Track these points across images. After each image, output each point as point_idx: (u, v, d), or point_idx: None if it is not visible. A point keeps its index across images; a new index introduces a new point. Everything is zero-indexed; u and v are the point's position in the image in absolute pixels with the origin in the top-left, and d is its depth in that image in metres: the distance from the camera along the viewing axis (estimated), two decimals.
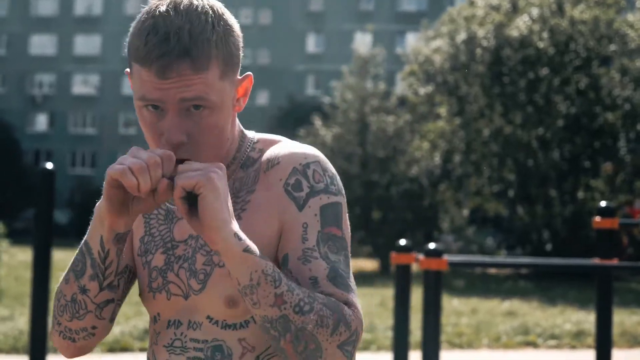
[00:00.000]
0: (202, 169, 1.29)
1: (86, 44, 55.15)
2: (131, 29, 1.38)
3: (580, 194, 20.82)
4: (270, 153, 1.45)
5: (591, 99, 20.17)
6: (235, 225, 1.30)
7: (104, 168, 52.63)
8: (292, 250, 1.38)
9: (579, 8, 20.30)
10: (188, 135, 1.36)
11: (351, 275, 1.41)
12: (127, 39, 1.39)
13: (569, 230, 20.15)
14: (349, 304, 1.36)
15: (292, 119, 40.79)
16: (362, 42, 30.05)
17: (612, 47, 19.92)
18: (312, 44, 53.60)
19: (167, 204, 1.51)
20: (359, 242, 24.55)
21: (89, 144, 54.23)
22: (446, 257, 5.13)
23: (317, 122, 27.34)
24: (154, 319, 1.51)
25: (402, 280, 5.64)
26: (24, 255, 20.15)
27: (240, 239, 1.29)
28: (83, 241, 1.41)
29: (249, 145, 1.49)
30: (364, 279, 18.55)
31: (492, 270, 20.83)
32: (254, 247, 1.31)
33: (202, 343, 1.43)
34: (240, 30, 1.43)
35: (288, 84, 51.77)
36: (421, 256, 5.10)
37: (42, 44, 55.61)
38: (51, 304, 10.04)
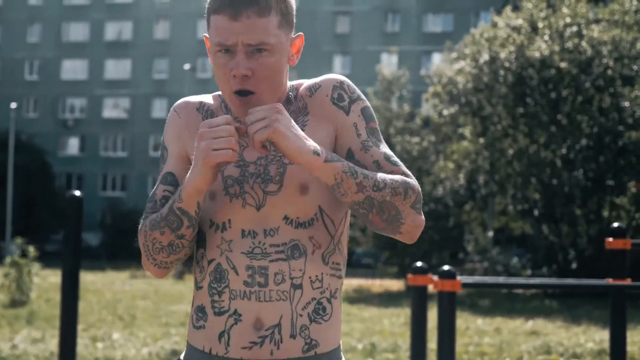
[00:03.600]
0: (267, 117, 1.64)
1: (116, 69, 55.92)
2: None
3: (606, 213, 20.78)
4: (307, 85, 1.84)
5: (614, 118, 20.19)
6: (309, 145, 1.65)
7: (134, 190, 53.20)
8: (353, 144, 1.78)
9: (598, 28, 20.34)
10: (252, 70, 1.70)
11: (392, 152, 1.82)
12: (206, 5, 1.74)
13: (594, 249, 20.11)
14: (406, 174, 1.77)
15: None
16: (388, 64, 30.24)
17: (635, 67, 19.93)
18: (338, 65, 53.91)
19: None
20: (385, 262, 24.64)
21: (120, 167, 54.84)
22: (460, 279, 5.26)
23: None
24: (222, 226, 1.77)
25: (418, 302, 5.76)
26: (55, 277, 20.49)
27: (318, 154, 1.65)
28: (175, 207, 1.71)
29: (290, 90, 1.84)
30: (390, 299, 18.64)
31: (518, 290, 20.82)
32: (330, 154, 1.67)
33: (281, 246, 1.74)
34: (295, 1, 1.79)
35: None
36: (436, 278, 5.23)
37: (73, 69, 56.46)
38: (79, 327, 10.25)
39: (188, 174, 1.70)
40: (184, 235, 1.73)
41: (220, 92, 1.86)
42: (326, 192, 1.76)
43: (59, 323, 5.38)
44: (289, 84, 1.85)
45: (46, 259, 21.48)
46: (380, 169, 1.76)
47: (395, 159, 1.79)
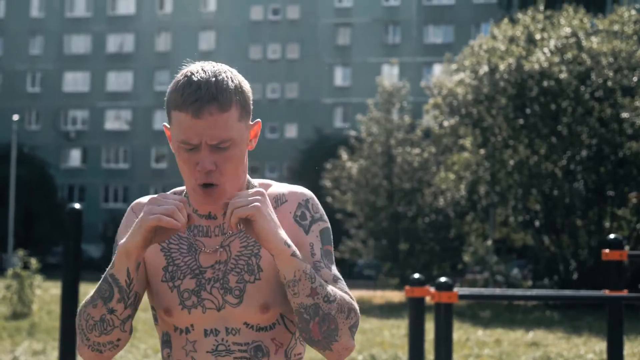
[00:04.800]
0: (250, 199, 1.71)
1: (118, 81, 56.07)
2: (169, 90, 1.81)
3: (607, 224, 20.79)
4: (274, 192, 1.89)
5: (614, 129, 20.22)
6: (282, 234, 1.72)
7: None
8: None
9: (597, 39, 20.40)
10: (216, 164, 1.76)
11: (344, 282, 1.90)
12: (166, 98, 1.81)
13: (595, 260, 20.12)
14: (351, 298, 1.83)
15: (320, 152, 41.04)
16: (388, 75, 30.30)
17: (634, 79, 19.97)
18: (339, 77, 54.00)
19: (189, 239, 1.87)
20: (386, 274, 24.67)
21: (121, 179, 54.90)
22: (457, 290, 5.29)
23: (344, 155, 27.56)
24: (186, 330, 1.84)
25: (416, 313, 5.79)
26: (57, 289, 20.47)
27: (289, 245, 1.72)
28: (107, 274, 1.76)
29: (252, 186, 1.90)
30: (391, 310, 18.64)
31: (519, 301, 20.81)
32: (297, 252, 1.74)
33: (244, 345, 1.82)
34: (250, 91, 1.85)
35: (316, 117, 52.16)
36: (433, 289, 5.27)
37: (75, 81, 56.61)
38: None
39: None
40: (114, 310, 1.76)
41: (179, 189, 1.92)
42: (286, 301, 1.82)
43: (59, 335, 5.41)
44: (253, 180, 1.91)
45: (48, 271, 21.48)
46: None
47: (343, 284, 1.85)
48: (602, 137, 20.23)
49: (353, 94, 52.61)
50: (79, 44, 56.78)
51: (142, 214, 1.70)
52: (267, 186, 1.91)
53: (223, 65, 1.82)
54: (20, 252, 15.49)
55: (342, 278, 1.87)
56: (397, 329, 13.78)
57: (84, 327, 1.79)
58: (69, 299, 5.39)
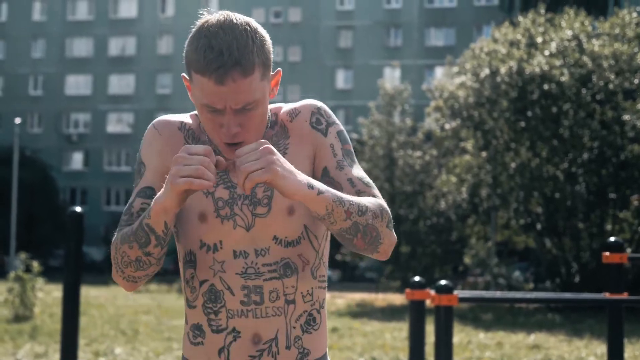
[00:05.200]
0: (260, 159, 1.65)
1: (120, 84, 56.16)
2: (187, 44, 1.77)
3: (608, 226, 20.79)
4: (286, 110, 1.91)
5: (616, 132, 20.22)
6: (303, 180, 1.70)
7: None
8: (329, 163, 1.87)
9: (598, 42, 20.41)
10: (241, 125, 1.77)
11: (364, 172, 1.93)
12: (185, 51, 1.78)
13: (597, 263, 20.11)
14: (377, 196, 1.86)
15: None
16: (390, 78, 30.32)
17: (635, 81, 19.98)
18: (341, 79, 54.06)
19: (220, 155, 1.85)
20: (388, 276, 24.68)
21: (123, 182, 54.96)
22: (457, 293, 5.30)
23: None
24: (214, 247, 1.83)
25: (416, 316, 5.80)
26: (59, 292, 20.52)
27: (312, 187, 1.70)
28: (143, 222, 1.73)
29: (269, 114, 1.91)
30: (392, 313, 18.65)
31: (521, 304, 20.80)
32: (322, 187, 1.72)
33: (273, 265, 1.83)
34: (269, 36, 1.83)
35: None
36: (433, 292, 5.28)
37: (77, 84, 56.71)
38: (81, 341, 10.30)
39: (159, 192, 1.72)
40: (151, 253, 1.76)
41: (197, 112, 1.89)
42: (308, 211, 1.82)
43: (60, 338, 5.42)
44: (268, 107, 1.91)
45: (50, 274, 21.53)
46: (353, 186, 1.85)
47: (368, 179, 1.89)
48: (604, 140, 20.23)
49: (355, 97, 52.66)
50: (80, 47, 56.88)
51: (169, 177, 1.66)
52: (278, 109, 1.92)
53: (241, 17, 1.79)
54: (22, 255, 15.52)
55: (364, 175, 1.90)
56: (399, 332, 13.78)
57: (119, 261, 1.79)
58: (71, 301, 5.40)
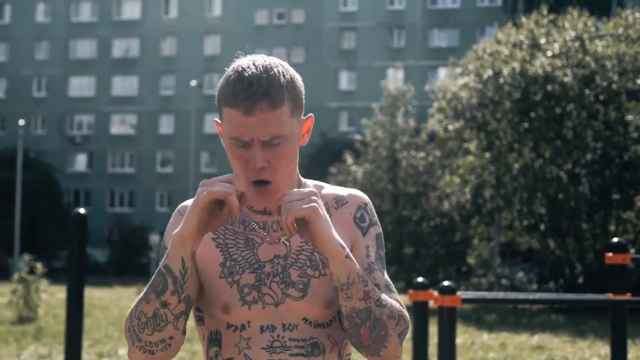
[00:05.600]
0: (305, 198, 1.67)
1: (123, 85, 56.19)
2: (219, 86, 1.78)
3: (612, 227, 20.76)
4: (332, 193, 1.89)
5: (619, 132, 20.21)
6: (338, 237, 1.70)
7: (141, 207, 53.33)
8: (361, 262, 1.82)
9: (601, 43, 20.39)
10: (267, 161, 1.74)
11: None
12: (217, 93, 1.79)
13: (601, 264, 20.07)
14: (402, 304, 1.84)
15: (325, 156, 41.08)
16: (393, 79, 30.31)
17: (639, 82, 19.96)
18: (344, 81, 54.05)
19: (245, 235, 1.85)
20: (391, 277, 24.66)
21: (127, 183, 54.99)
22: (460, 294, 5.31)
23: (349, 159, 27.58)
24: (241, 327, 1.80)
25: (420, 317, 5.80)
26: (63, 294, 20.51)
27: (343, 247, 1.70)
28: (161, 266, 1.72)
29: (304, 185, 1.89)
30: None
31: (525, 305, 20.79)
32: (351, 255, 1.72)
33: (301, 342, 1.79)
34: (302, 84, 1.84)
35: (321, 121, 52.18)
36: (436, 293, 5.28)
37: (80, 86, 56.76)
38: (85, 342, 10.31)
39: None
40: (168, 303, 1.71)
41: (227, 176, 1.89)
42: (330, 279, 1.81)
43: (64, 339, 5.43)
44: (305, 180, 1.90)
45: (54, 275, 21.54)
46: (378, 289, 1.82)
47: (394, 288, 1.86)
48: (607, 141, 20.21)
49: (358, 98, 52.64)
50: (84, 48, 56.94)
51: (196, 195, 1.67)
52: (320, 188, 1.90)
53: (274, 58, 1.79)
54: (26, 257, 15.53)
55: (392, 284, 1.86)
56: None
57: (135, 327, 1.73)
58: (74, 303, 5.41)
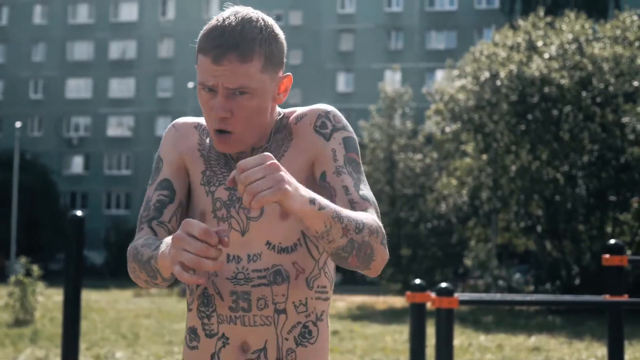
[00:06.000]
0: (267, 176, 1.54)
1: (120, 87, 56.19)
2: (201, 32, 1.77)
3: (609, 229, 20.80)
4: (296, 113, 1.86)
5: (616, 135, 20.24)
6: (305, 194, 1.60)
7: (138, 209, 53.24)
8: (328, 167, 1.79)
9: (598, 45, 20.44)
10: (231, 112, 1.73)
11: (369, 189, 1.83)
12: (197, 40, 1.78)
13: (598, 265, 20.10)
14: (371, 211, 1.76)
15: None
16: (391, 81, 30.34)
17: (635, 84, 20.00)
18: (342, 83, 54.08)
19: (226, 156, 1.85)
20: (389, 279, 24.71)
21: (124, 185, 54.97)
22: (457, 296, 5.31)
23: None
24: None
25: (417, 319, 5.80)
26: (60, 296, 20.49)
27: (313, 203, 1.62)
28: (152, 263, 1.69)
29: (279, 117, 1.87)
30: (393, 315, 18.64)
31: (522, 306, 20.80)
32: (322, 201, 1.63)
33: (264, 271, 1.77)
34: (284, 40, 1.81)
35: None
36: (434, 295, 5.28)
37: (77, 88, 56.74)
38: (82, 345, 10.30)
39: (165, 244, 1.65)
40: (158, 284, 1.76)
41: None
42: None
43: (61, 342, 5.43)
44: (283, 111, 1.88)
45: (50, 278, 21.53)
46: (347, 194, 1.76)
47: (365, 193, 1.78)
48: (604, 143, 20.24)
49: (355, 100, 52.67)
50: (81, 50, 56.92)
51: (170, 256, 1.57)
52: (292, 112, 1.88)
53: (260, 13, 1.78)
54: (23, 259, 15.51)
55: (364, 185, 1.80)
56: (400, 335, 13.78)
57: (131, 270, 1.79)
58: (71, 306, 5.40)
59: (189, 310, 1.86)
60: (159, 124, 55.20)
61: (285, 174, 1.58)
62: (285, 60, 1.81)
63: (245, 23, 1.73)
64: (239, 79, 1.71)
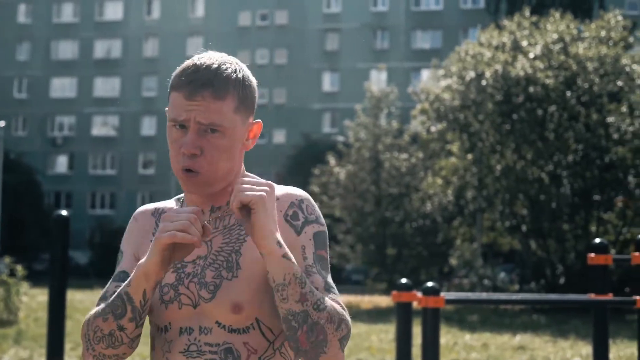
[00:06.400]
0: (257, 188, 1.64)
1: (105, 87, 55.94)
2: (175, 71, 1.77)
3: (593, 228, 20.90)
4: None
5: (600, 134, 20.35)
6: (278, 235, 1.64)
7: (123, 209, 53.08)
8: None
9: (583, 45, 20.54)
10: (201, 150, 1.71)
11: (336, 289, 1.80)
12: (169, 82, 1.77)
13: (582, 264, 20.20)
14: (343, 308, 1.73)
15: (308, 158, 41.09)
16: (376, 81, 30.36)
17: (619, 84, 20.12)
18: (327, 82, 54.06)
19: None
20: (374, 278, 24.73)
21: (108, 185, 54.74)
22: (443, 295, 5.32)
23: (332, 160, 27.60)
24: (164, 329, 1.78)
25: (403, 318, 5.81)
26: (44, 296, 20.37)
27: (281, 246, 1.64)
28: (122, 291, 1.70)
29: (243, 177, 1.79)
30: (378, 315, 18.66)
31: (507, 305, 20.88)
32: (290, 254, 1.65)
33: (215, 346, 1.73)
34: (257, 89, 1.80)
35: (304, 122, 52.20)
36: (419, 294, 5.29)
37: (62, 87, 56.44)
38: (66, 345, 10.25)
39: (136, 270, 1.69)
40: (124, 328, 1.72)
41: (182, 195, 1.88)
42: (264, 305, 1.75)
43: (46, 343, 5.40)
44: (247, 174, 1.86)
45: (35, 278, 21.39)
46: None
47: (335, 293, 1.76)
48: (589, 142, 20.35)
49: (341, 100, 52.67)
50: (66, 49, 56.64)
51: (157, 233, 1.64)
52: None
53: (234, 59, 1.79)
54: (7, 259, 15.41)
55: (334, 287, 1.77)
56: (385, 334, 13.79)
57: (91, 337, 1.74)
58: (57, 306, 5.38)
59: None
60: (144, 123, 55.00)
61: (273, 195, 1.65)
62: (255, 107, 1.80)
63: (221, 64, 1.74)
64: (212, 115, 1.70)
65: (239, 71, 1.76)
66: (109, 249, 46.54)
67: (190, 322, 1.76)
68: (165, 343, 1.78)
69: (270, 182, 1.67)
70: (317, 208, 1.82)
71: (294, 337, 1.67)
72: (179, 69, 1.76)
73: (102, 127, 56.00)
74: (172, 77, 1.77)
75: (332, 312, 1.68)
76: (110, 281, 1.85)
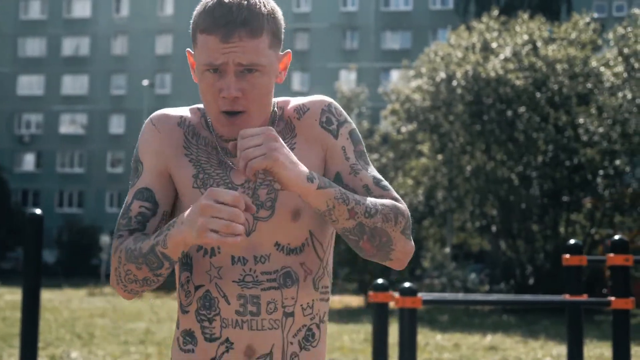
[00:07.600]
0: (264, 144, 1.58)
1: (74, 84, 55.44)
2: (196, 11, 1.71)
3: (562, 229, 21.11)
4: (294, 105, 1.81)
5: (569, 136, 20.55)
6: (304, 171, 1.62)
7: (91, 207, 52.64)
8: (341, 168, 1.77)
9: (553, 47, 20.73)
10: (242, 91, 1.68)
11: (378, 173, 1.82)
12: (192, 21, 1.71)
13: (551, 265, 20.39)
14: (396, 199, 1.75)
15: None
16: (346, 81, 30.40)
17: (589, 85, 20.33)
18: (297, 82, 54.06)
19: (218, 156, 1.77)
20: (344, 279, 24.72)
21: (77, 183, 54.26)
22: (420, 296, 5.33)
23: None
24: (211, 252, 1.73)
25: (379, 319, 5.81)
26: (12, 295, 20.17)
27: (312, 180, 1.63)
28: (157, 250, 1.64)
29: (274, 107, 1.81)
30: (349, 315, 18.68)
31: (476, 306, 21.01)
32: (323, 180, 1.64)
33: (273, 274, 1.72)
34: (282, 15, 1.76)
35: None
36: (396, 294, 5.29)
37: (29, 85, 55.85)
38: (39, 344, 10.12)
39: (178, 222, 1.61)
40: (161, 274, 1.69)
41: (199, 106, 1.83)
42: (316, 216, 1.75)
43: (18, 342, 5.33)
44: (274, 100, 1.82)
45: (3, 277, 21.16)
46: (369, 193, 1.75)
47: (385, 182, 1.78)
48: (558, 144, 20.54)
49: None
50: (33, 46, 56.04)
51: (196, 224, 1.55)
52: (285, 103, 1.82)
53: None
54: None
55: (382, 178, 1.78)
56: (357, 334, 13.80)
57: (122, 276, 1.71)
58: (30, 306, 5.30)
59: (185, 312, 1.78)
60: (113, 121, 54.59)
61: (281, 144, 1.61)
62: (283, 37, 1.77)
63: None
64: (250, 55, 1.66)
65: (267, 4, 1.71)
66: (77, 248, 46.15)
67: (243, 252, 1.72)
68: (212, 267, 1.74)
69: (268, 128, 1.62)
70: (342, 109, 1.84)
71: (358, 246, 1.70)
72: (204, 8, 1.69)
73: (70, 125, 55.50)
74: (196, 17, 1.70)
75: (385, 210, 1.68)
76: (132, 196, 1.76)
